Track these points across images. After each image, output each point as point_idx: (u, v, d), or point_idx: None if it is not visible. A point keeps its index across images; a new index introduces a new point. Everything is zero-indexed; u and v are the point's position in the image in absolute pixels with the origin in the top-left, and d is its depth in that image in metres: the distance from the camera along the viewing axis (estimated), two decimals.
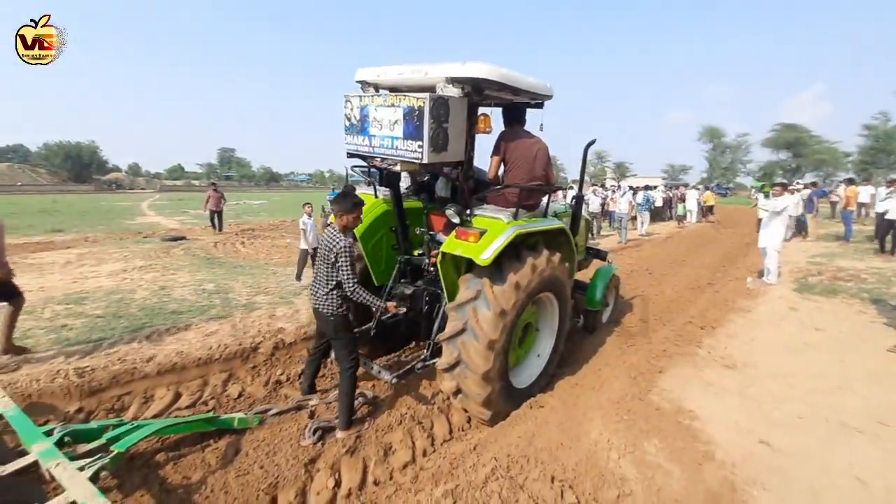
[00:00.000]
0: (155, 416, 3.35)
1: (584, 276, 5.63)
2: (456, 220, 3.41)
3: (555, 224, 3.71)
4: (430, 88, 3.25)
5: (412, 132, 3.05)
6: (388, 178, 3.85)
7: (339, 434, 3.23)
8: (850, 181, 14.35)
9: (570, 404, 3.47)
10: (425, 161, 3.04)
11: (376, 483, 2.84)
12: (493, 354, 3.14)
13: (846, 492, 2.44)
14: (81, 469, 2.12)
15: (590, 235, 12.01)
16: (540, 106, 3.98)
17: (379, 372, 3.54)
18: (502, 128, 3.81)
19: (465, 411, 3.53)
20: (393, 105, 3.15)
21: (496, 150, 3.62)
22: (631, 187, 21.85)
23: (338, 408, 3.30)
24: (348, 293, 3.13)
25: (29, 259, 9.26)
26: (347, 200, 3.20)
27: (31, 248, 10.60)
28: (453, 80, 3.11)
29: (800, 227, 11.91)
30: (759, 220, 7.68)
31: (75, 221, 16.55)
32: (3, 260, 3.99)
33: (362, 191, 4.24)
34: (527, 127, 3.84)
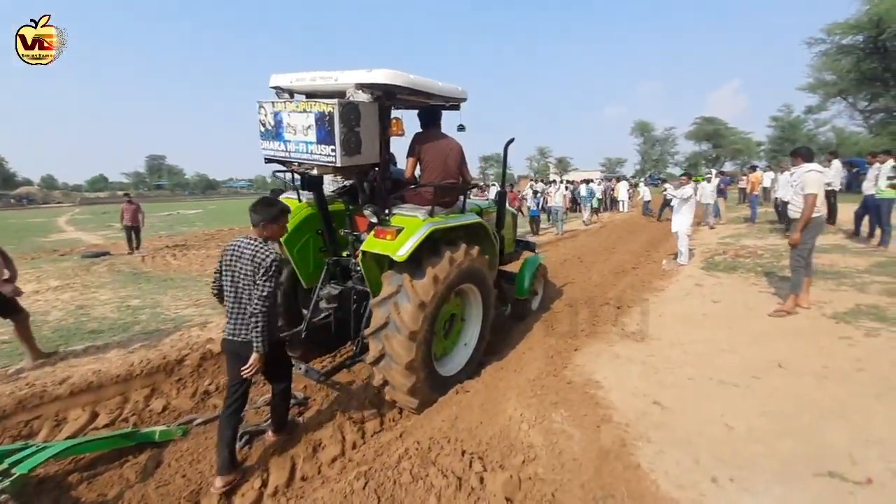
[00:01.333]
0: (68, 438, 3.22)
1: (515, 267, 5.95)
2: (374, 219, 3.55)
3: (472, 219, 3.94)
4: (342, 94, 3.37)
5: (325, 137, 3.16)
6: (309, 183, 3.91)
7: (271, 437, 3.27)
8: (752, 168, 15.93)
9: (493, 386, 3.72)
10: (339, 164, 3.15)
11: (304, 479, 2.92)
12: (415, 345, 3.31)
13: (715, 435, 2.83)
14: None
15: (532, 230, 12.64)
16: (456, 108, 4.21)
17: (307, 372, 3.61)
18: (419, 129, 3.99)
19: (395, 402, 3.68)
20: (305, 111, 3.24)
21: (411, 152, 3.80)
22: (568, 181, 23.06)
23: (270, 411, 3.32)
24: (257, 311, 2.66)
25: None
26: (273, 208, 2.86)
27: None
28: (362, 86, 3.25)
29: (716, 212, 13.11)
30: (664, 203, 8.51)
31: None
32: (14, 278, 4.36)
33: (287, 195, 4.26)
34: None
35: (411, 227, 3.38)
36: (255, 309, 2.67)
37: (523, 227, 13.29)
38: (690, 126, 51.03)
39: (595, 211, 18.32)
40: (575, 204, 18.70)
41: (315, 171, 3.43)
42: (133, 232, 11.62)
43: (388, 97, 3.41)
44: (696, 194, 9.16)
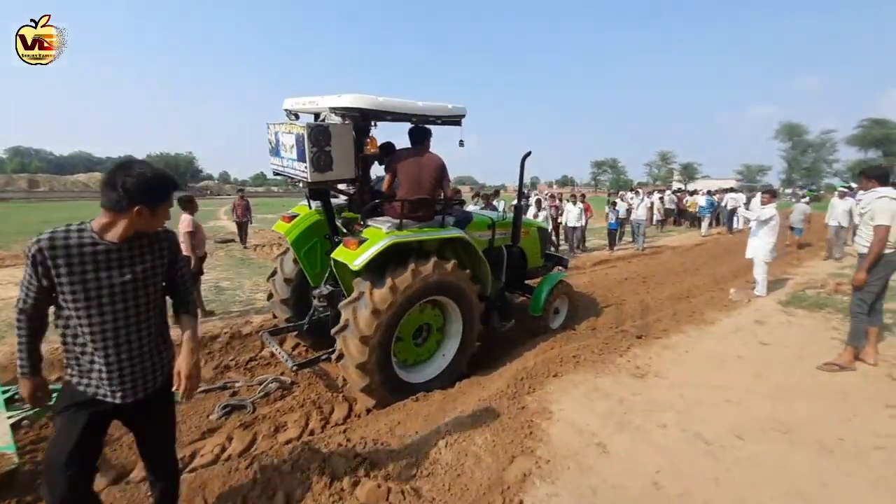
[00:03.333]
0: None
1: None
2: (344, 229, 3.87)
3: (446, 233, 4.02)
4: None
5: (300, 155, 3.58)
6: (313, 192, 4.39)
7: None
8: None
9: (451, 399, 3.78)
10: (310, 179, 3.54)
11: (256, 450, 3.38)
12: (367, 349, 3.56)
13: (633, 492, 2.54)
14: (10, 417, 2.90)
15: (615, 242, 11.82)
16: (457, 123, 4.34)
17: (286, 359, 4.09)
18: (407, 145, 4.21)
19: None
20: (290, 132, 3.70)
21: (387, 168, 4.04)
22: (677, 190, 20.88)
23: None
24: (190, 304, 2.05)
25: None
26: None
27: None
28: (334, 110, 3.60)
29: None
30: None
31: None
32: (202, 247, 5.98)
33: (300, 203, 4.81)
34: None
35: (374, 238, 3.63)
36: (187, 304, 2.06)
37: (599, 240, 12.41)
38: (855, 129, 41.70)
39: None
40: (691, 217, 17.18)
41: (300, 184, 3.88)
42: (242, 227, 12.60)
43: (364, 118, 3.70)
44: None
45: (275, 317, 5.09)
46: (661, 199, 18.12)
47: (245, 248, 12.51)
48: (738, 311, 5.92)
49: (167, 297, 1.98)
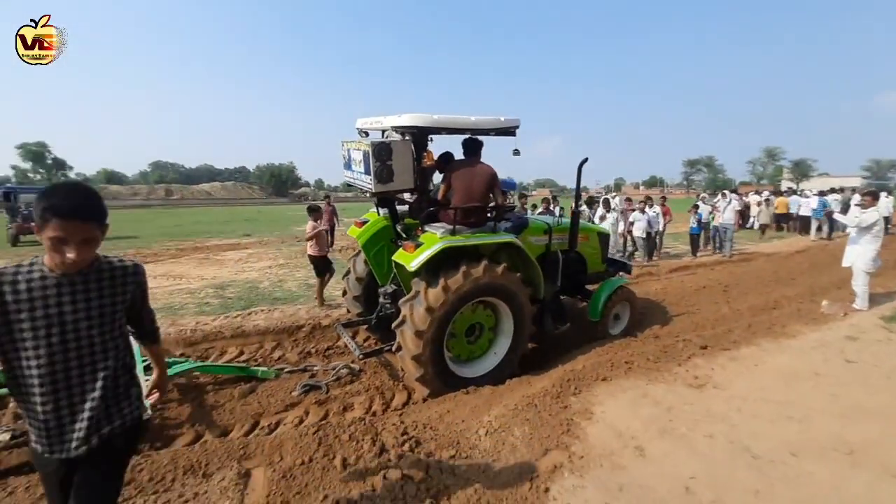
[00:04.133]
0: (224, 363, 5.03)
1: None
2: (404, 235, 4.30)
3: (497, 238, 4.28)
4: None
5: (367, 169, 4.09)
6: (380, 201, 4.90)
7: None
8: None
9: (498, 394, 4.03)
10: (374, 190, 4.04)
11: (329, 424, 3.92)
12: (422, 342, 3.94)
13: (661, 495, 2.60)
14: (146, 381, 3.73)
15: (697, 248, 11.08)
16: (512, 134, 4.59)
17: (354, 349, 4.61)
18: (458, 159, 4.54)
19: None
20: (359, 149, 4.23)
21: (443, 179, 4.40)
22: (783, 191, 18.79)
23: None
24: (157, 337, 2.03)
25: (219, 255, 12.92)
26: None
27: (224, 248, 14.61)
28: (394, 128, 4.05)
29: None
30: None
31: (263, 227, 21.68)
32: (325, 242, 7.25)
33: (371, 210, 5.37)
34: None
35: (429, 243, 4.01)
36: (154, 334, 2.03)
37: (680, 245, 11.59)
38: None
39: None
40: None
41: (368, 194, 4.40)
42: (327, 233, 13.36)
43: (422, 134, 4.11)
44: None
45: (348, 311, 5.72)
46: (767, 200, 16.33)
47: (329, 249, 13.61)
48: (827, 326, 5.36)
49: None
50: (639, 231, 10.21)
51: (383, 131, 4.59)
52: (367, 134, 4.74)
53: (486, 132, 4.41)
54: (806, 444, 3.05)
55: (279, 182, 76.39)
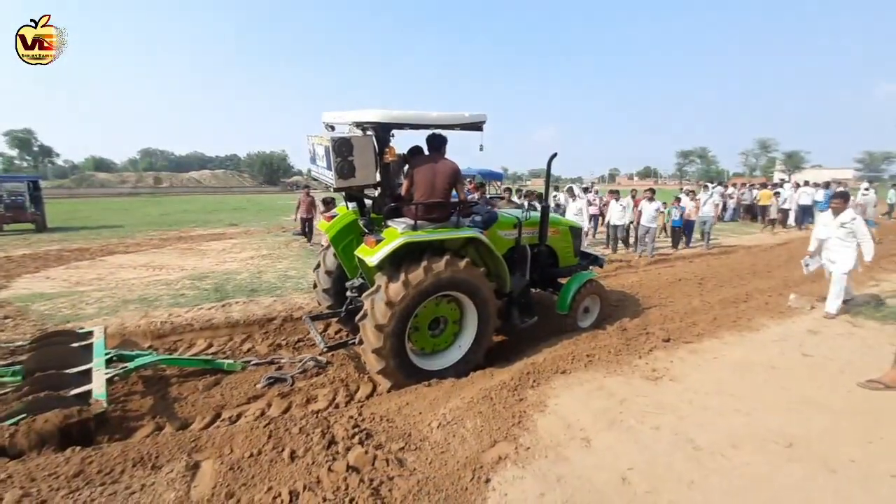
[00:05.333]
0: (191, 356, 5.05)
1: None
2: (366, 229, 4.32)
3: (458, 234, 4.29)
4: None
5: (328, 164, 4.08)
6: (348, 196, 4.90)
7: None
8: None
9: (458, 386, 4.08)
10: (335, 186, 4.03)
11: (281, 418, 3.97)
12: (382, 336, 3.98)
13: (596, 484, 2.67)
14: (107, 374, 3.75)
15: (678, 241, 11.16)
16: (479, 129, 4.58)
17: (319, 341, 4.64)
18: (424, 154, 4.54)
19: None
20: (322, 144, 4.22)
21: (406, 174, 4.40)
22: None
23: None
24: None
25: (202, 246, 12.85)
26: None
27: (209, 238, 14.52)
28: (355, 124, 4.03)
29: None
30: None
31: (250, 217, 21.54)
32: None
33: (340, 204, 5.37)
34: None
35: (389, 238, 4.03)
36: None
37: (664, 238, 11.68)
38: None
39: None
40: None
41: (332, 189, 4.39)
42: (307, 224, 12.64)
43: (383, 130, 4.10)
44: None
45: (319, 304, 5.74)
46: (777, 193, 16.07)
47: (311, 244, 12.59)
48: (792, 319, 5.47)
49: None
50: (615, 219, 10.24)
51: (348, 126, 4.58)
52: (333, 128, 4.72)
53: (450, 128, 4.40)
54: (748, 437, 3.13)
55: (270, 170, 75.59)
